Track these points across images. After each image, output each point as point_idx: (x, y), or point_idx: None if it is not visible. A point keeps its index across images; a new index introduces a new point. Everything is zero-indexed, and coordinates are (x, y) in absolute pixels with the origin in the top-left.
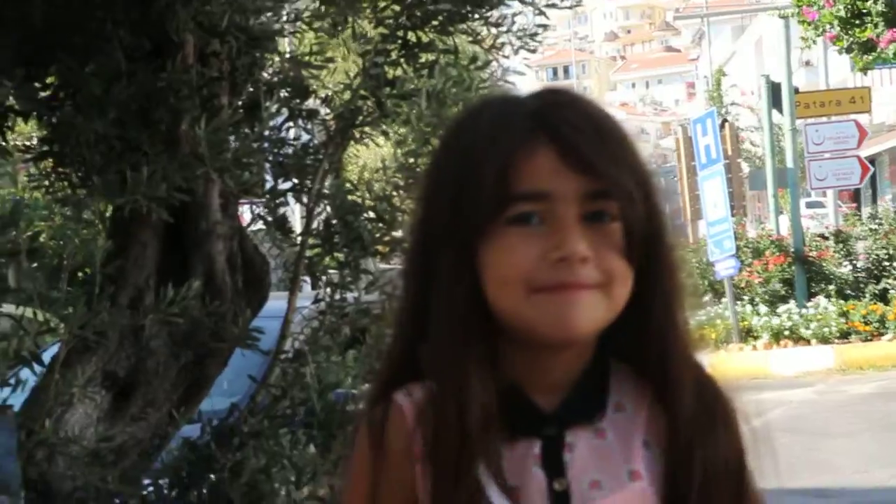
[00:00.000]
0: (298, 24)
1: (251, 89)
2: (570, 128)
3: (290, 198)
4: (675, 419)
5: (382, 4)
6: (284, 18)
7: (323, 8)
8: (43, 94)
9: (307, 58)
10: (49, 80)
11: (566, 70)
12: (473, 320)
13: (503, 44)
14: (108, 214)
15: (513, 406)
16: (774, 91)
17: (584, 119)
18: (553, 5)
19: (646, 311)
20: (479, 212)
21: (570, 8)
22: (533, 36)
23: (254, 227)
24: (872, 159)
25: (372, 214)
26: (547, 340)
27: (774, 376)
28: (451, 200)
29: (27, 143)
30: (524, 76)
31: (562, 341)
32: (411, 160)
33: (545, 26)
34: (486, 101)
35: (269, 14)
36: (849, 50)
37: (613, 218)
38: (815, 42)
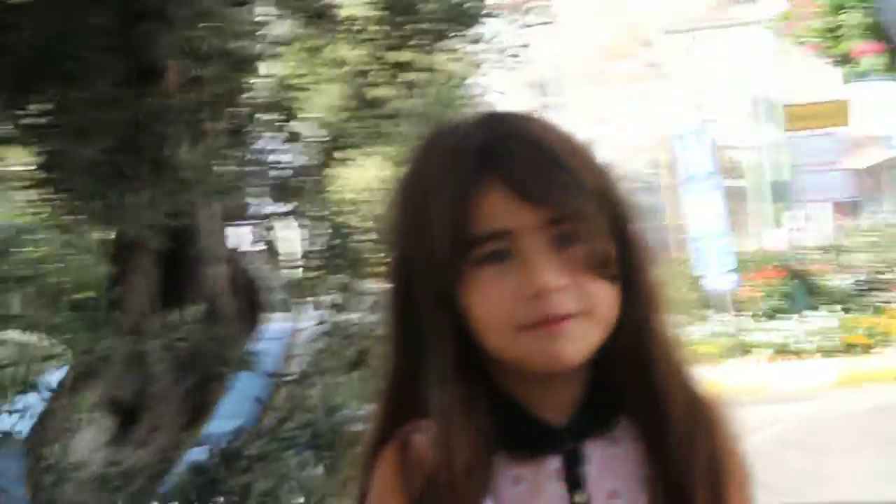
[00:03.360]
0: (279, 47)
1: (235, 114)
2: (517, 160)
3: (292, 220)
4: (668, 430)
5: (360, 27)
6: (265, 42)
7: (303, 31)
8: (29, 120)
9: (289, 81)
10: (35, 106)
11: (546, 87)
12: (458, 360)
13: (482, 62)
14: (107, 239)
15: (522, 426)
16: (762, 105)
17: (531, 148)
18: (528, 26)
19: (628, 324)
20: (443, 259)
21: (543, 24)
22: (513, 55)
23: (255, 250)
24: (870, 171)
25: (369, 236)
26: (540, 372)
27: (774, 392)
28: (417, 247)
29: (24, 171)
30: (503, 94)
31: (554, 372)
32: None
33: (524, 45)
34: (433, 138)
35: (248, 39)
36: (837, 63)
37: (583, 239)
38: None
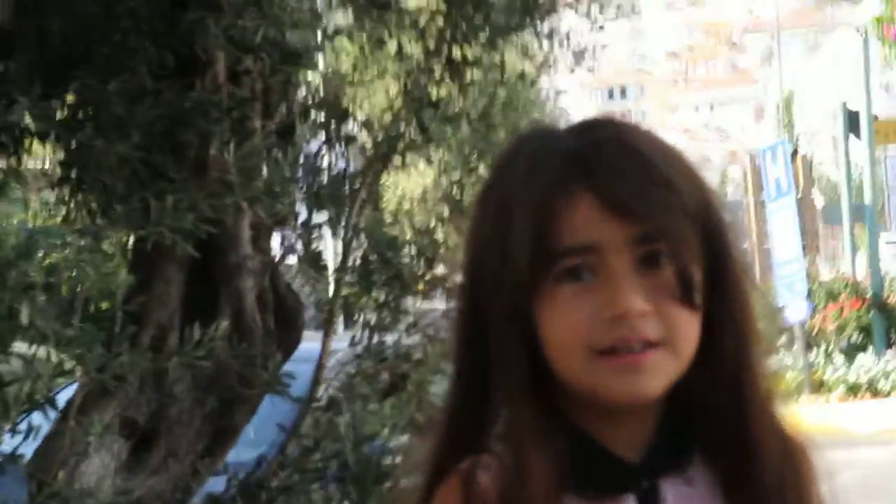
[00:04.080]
0: (336, 39)
1: (285, 111)
2: (610, 170)
3: (326, 230)
4: (756, 471)
5: (425, 18)
6: (321, 33)
7: (362, 22)
8: (61, 114)
9: (346, 77)
10: (68, 98)
11: (623, 91)
12: (532, 383)
13: (555, 60)
14: (129, 246)
15: (595, 462)
16: (851, 118)
17: (627, 156)
18: (610, 18)
19: (717, 358)
20: (523, 272)
21: (626, 18)
22: (591, 54)
23: (286, 263)
24: None
25: (412, 250)
26: (615, 405)
27: (849, 433)
28: (494, 260)
29: (43, 169)
30: (578, 96)
31: (630, 405)
32: (455, 189)
33: (603, 46)
34: (522, 140)
35: (303, 30)
36: None
37: (672, 261)
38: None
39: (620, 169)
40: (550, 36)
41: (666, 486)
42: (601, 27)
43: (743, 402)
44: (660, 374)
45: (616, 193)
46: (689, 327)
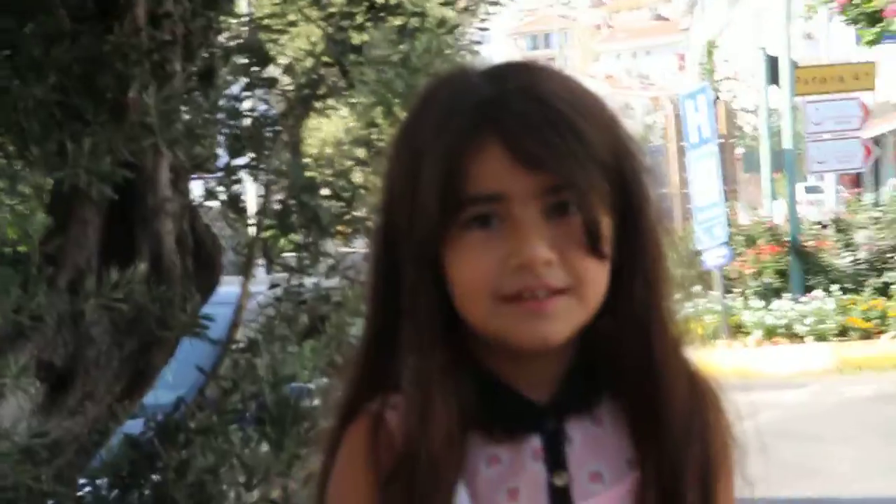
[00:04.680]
0: None
1: (206, 55)
2: (518, 120)
3: (246, 174)
4: (665, 415)
5: None
6: None
7: None
8: None
9: (267, 21)
10: None
11: (547, 38)
12: (439, 331)
13: (476, 5)
14: (47, 188)
15: (502, 402)
16: (772, 65)
17: (536, 107)
18: None
19: (626, 304)
20: (431, 217)
21: None
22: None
23: (206, 206)
24: (877, 141)
25: (329, 192)
26: (521, 350)
27: (766, 376)
28: (405, 204)
29: None
30: (500, 44)
31: (536, 351)
32: (373, 133)
33: None
34: (436, 85)
35: None
36: (855, 21)
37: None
38: (817, 12)
39: (529, 119)
40: None
41: (573, 426)
42: None
43: (650, 345)
44: (564, 320)
45: (523, 144)
46: (595, 275)
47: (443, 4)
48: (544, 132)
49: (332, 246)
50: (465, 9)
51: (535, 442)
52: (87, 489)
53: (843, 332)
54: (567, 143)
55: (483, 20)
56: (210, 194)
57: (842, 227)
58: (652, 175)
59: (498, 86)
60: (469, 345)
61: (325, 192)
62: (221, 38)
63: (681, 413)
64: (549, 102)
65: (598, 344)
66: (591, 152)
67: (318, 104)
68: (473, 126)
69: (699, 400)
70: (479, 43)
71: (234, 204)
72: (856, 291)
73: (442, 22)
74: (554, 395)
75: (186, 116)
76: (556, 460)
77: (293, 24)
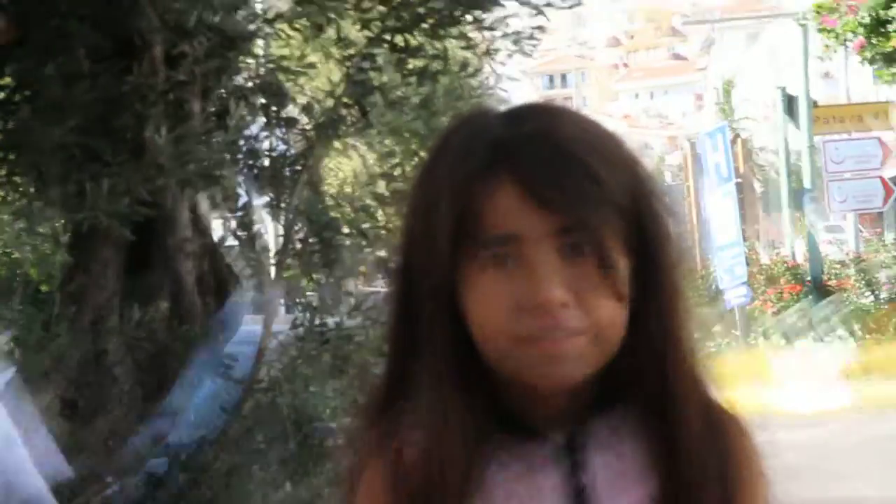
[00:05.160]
0: (276, 24)
1: (224, 95)
2: (532, 161)
3: (266, 214)
4: (680, 449)
5: (367, 5)
6: (260, 18)
7: (302, 7)
8: None
9: (286, 62)
10: (4, 81)
11: (564, 78)
12: (454, 367)
13: (497, 50)
14: (65, 229)
15: (522, 439)
16: (790, 104)
17: (551, 147)
18: (550, 4)
19: (644, 339)
20: (445, 259)
21: (569, 8)
22: (529, 38)
23: (227, 245)
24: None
25: (353, 230)
26: (538, 388)
27: (787, 414)
28: (422, 245)
29: None
30: (518, 82)
31: (551, 391)
32: (396, 173)
33: (541, 28)
34: (455, 126)
35: (242, 13)
36: (872, 61)
37: (595, 252)
38: (835, 51)
39: (543, 160)
40: (492, 28)
41: (594, 461)
42: (541, 12)
43: (666, 378)
44: (580, 362)
45: (537, 185)
46: (613, 317)
47: (464, 48)
48: (557, 173)
49: (353, 285)
50: (487, 52)
51: (554, 476)
52: None
53: (864, 372)
54: (579, 184)
55: (503, 63)
56: (231, 234)
57: (863, 266)
58: (671, 213)
59: (513, 127)
60: (490, 378)
61: (346, 230)
62: (240, 79)
63: (696, 448)
64: (563, 144)
65: (621, 380)
66: (604, 193)
67: (337, 144)
68: (487, 167)
69: (720, 437)
70: (498, 82)
71: (255, 243)
72: (877, 331)
73: (464, 65)
74: (573, 431)
75: (204, 156)
76: (576, 494)
77: (312, 64)
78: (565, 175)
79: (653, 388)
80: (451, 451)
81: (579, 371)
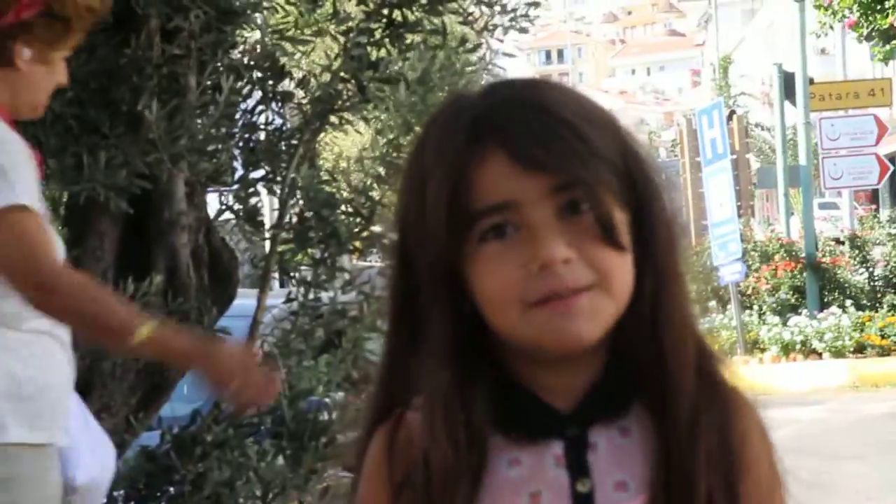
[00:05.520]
0: None
1: (220, 69)
2: (516, 126)
3: (262, 188)
4: (674, 418)
5: None
6: None
7: None
8: None
9: (282, 36)
10: None
11: (560, 53)
12: (456, 341)
13: (495, 25)
14: (64, 201)
15: (524, 409)
16: (787, 81)
17: (532, 111)
18: None
19: (638, 299)
20: (443, 236)
21: None
22: (525, 16)
23: (222, 219)
24: (893, 157)
25: (349, 208)
26: (554, 353)
27: (782, 392)
28: (418, 223)
29: None
30: (515, 58)
31: (570, 352)
32: (392, 149)
33: (537, 3)
34: (440, 108)
35: None
36: (868, 38)
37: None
38: (832, 28)
39: (526, 124)
40: (491, 4)
41: (598, 434)
42: None
43: (660, 339)
44: (594, 316)
45: (524, 148)
46: (618, 267)
47: (462, 23)
48: (542, 135)
49: (348, 261)
50: (485, 27)
51: (557, 448)
52: (104, 500)
53: (859, 349)
54: (566, 142)
55: (501, 40)
56: (226, 208)
57: (858, 243)
58: (662, 175)
59: (491, 97)
60: (496, 353)
61: (343, 207)
62: (237, 53)
63: (685, 416)
64: (545, 106)
65: (626, 351)
66: (593, 149)
67: (334, 119)
68: (473, 139)
69: (721, 410)
70: (495, 58)
71: (251, 218)
72: (872, 308)
73: (462, 40)
74: (580, 403)
75: (200, 129)
76: (578, 467)
77: (310, 38)
78: (551, 135)
79: (649, 356)
80: (448, 455)
81: (594, 327)
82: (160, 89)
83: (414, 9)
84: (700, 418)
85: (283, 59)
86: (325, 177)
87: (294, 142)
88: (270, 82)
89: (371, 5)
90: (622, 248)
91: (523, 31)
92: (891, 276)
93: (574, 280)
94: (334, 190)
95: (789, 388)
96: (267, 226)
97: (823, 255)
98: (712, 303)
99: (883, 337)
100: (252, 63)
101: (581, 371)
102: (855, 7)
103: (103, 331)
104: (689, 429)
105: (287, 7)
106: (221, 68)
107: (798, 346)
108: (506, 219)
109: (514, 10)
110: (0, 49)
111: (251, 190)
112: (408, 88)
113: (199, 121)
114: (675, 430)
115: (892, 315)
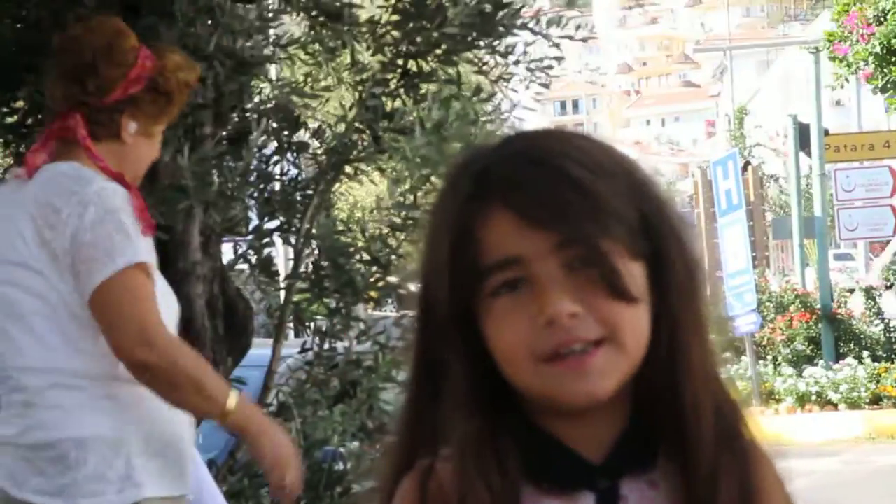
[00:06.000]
0: (291, 48)
1: (237, 119)
2: (520, 182)
3: (277, 237)
4: (693, 450)
5: (381, 30)
6: (274, 42)
7: (316, 32)
8: (10, 119)
9: (299, 85)
10: (16, 104)
11: (575, 104)
12: (476, 392)
13: (511, 75)
14: None
15: (557, 461)
16: (802, 132)
17: (536, 167)
18: (568, 37)
19: (660, 348)
20: (457, 291)
21: (582, 41)
22: (549, 67)
23: (236, 269)
24: None
25: (365, 256)
26: (569, 407)
27: (798, 444)
28: (433, 277)
29: None
30: (534, 111)
31: (584, 407)
32: (409, 198)
33: (561, 58)
34: (456, 159)
35: (258, 37)
36: (883, 90)
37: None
38: (847, 80)
39: (530, 180)
40: (506, 54)
41: (629, 487)
42: (557, 45)
43: (681, 392)
44: (608, 372)
45: (528, 205)
46: (630, 321)
47: (477, 72)
48: (546, 189)
49: (363, 310)
50: (500, 78)
51: (588, 500)
52: None
53: (875, 401)
54: (570, 197)
55: (516, 91)
56: (241, 257)
57: (873, 294)
58: (683, 221)
59: (497, 153)
60: (522, 404)
61: (358, 256)
62: (253, 102)
63: (706, 460)
64: (548, 161)
65: (649, 401)
66: (600, 204)
67: (349, 169)
68: (476, 195)
69: (740, 460)
70: (513, 111)
71: (266, 267)
72: (888, 359)
73: (477, 90)
74: (608, 455)
75: (219, 179)
76: None
77: (327, 88)
78: (551, 191)
79: (665, 392)
80: (486, 502)
81: (608, 383)
82: (183, 138)
83: (429, 59)
84: (720, 472)
85: (298, 111)
86: (341, 227)
87: (309, 192)
88: (286, 133)
89: (388, 55)
90: (632, 299)
91: (544, 86)
92: None
93: (583, 334)
94: (350, 239)
95: (805, 440)
96: (282, 276)
97: (839, 306)
98: (727, 353)
99: None
100: (268, 113)
101: (605, 422)
102: (870, 59)
103: (200, 395)
104: (709, 482)
105: (303, 57)
106: (237, 119)
107: (813, 398)
108: (515, 274)
109: (535, 61)
110: (108, 123)
111: (266, 240)
112: (423, 133)
113: (215, 170)
114: (695, 484)
115: None
